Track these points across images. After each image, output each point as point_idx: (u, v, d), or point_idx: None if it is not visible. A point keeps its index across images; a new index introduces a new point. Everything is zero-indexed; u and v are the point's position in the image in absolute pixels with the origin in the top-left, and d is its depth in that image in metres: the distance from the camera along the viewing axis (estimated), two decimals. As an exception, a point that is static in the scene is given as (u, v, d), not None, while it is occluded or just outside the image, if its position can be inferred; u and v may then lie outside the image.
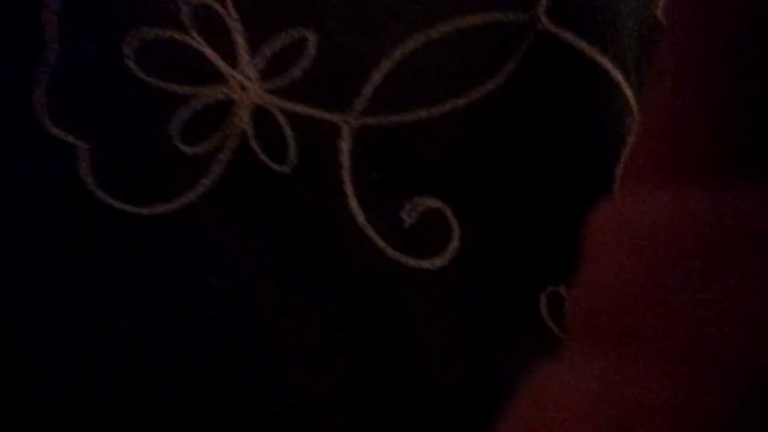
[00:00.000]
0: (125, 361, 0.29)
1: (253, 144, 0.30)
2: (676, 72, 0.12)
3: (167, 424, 0.29)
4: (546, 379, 0.13)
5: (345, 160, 0.30)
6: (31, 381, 0.28)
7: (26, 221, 0.28)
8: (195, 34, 0.29)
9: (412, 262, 0.31)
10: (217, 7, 0.29)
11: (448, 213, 0.31)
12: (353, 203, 0.30)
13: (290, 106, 0.30)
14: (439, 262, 0.31)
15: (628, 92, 0.30)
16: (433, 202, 0.31)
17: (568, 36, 0.30)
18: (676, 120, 0.12)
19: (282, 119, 0.30)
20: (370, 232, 0.30)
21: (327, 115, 0.30)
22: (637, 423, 0.11)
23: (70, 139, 0.28)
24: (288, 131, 0.30)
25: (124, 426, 0.28)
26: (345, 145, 0.30)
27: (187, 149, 0.29)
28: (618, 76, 0.30)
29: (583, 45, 0.30)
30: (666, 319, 0.11)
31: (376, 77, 0.30)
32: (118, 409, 0.29)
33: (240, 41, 0.30)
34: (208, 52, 0.29)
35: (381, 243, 0.30)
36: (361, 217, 0.30)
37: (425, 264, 0.31)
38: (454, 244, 0.31)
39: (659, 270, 0.12)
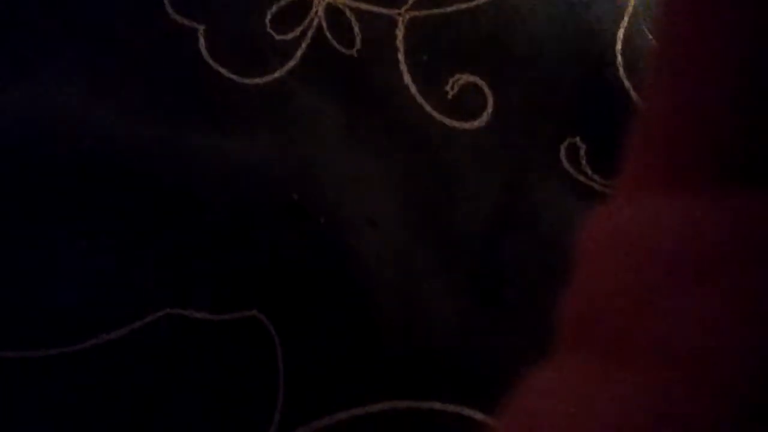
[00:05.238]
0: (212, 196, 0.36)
1: (327, 33, 0.39)
2: (676, 80, 0.12)
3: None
4: (538, 382, 0.13)
5: (400, 44, 0.39)
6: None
7: (157, 87, 0.37)
8: (283, -51, 0.38)
9: (455, 123, 0.38)
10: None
11: (484, 85, 0.39)
12: (407, 78, 0.39)
13: (355, 3, 0.39)
14: (476, 123, 0.39)
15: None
16: (470, 78, 0.39)
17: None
18: (675, 128, 0.12)
19: (349, 14, 0.39)
20: (421, 100, 0.38)
21: (384, 10, 0.39)
22: (624, 425, 0.11)
23: (190, 23, 0.37)
24: (354, 23, 0.39)
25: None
26: (399, 33, 0.39)
27: (278, 36, 0.38)
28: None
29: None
30: (656, 325, 0.11)
31: (423, -19, 0.39)
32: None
33: (316, -44, 0.39)
34: (293, -38, 0.38)
35: (429, 108, 0.38)
36: (413, 89, 0.38)
37: (465, 125, 0.38)
38: (489, 109, 0.39)
39: (651, 276, 0.12)
